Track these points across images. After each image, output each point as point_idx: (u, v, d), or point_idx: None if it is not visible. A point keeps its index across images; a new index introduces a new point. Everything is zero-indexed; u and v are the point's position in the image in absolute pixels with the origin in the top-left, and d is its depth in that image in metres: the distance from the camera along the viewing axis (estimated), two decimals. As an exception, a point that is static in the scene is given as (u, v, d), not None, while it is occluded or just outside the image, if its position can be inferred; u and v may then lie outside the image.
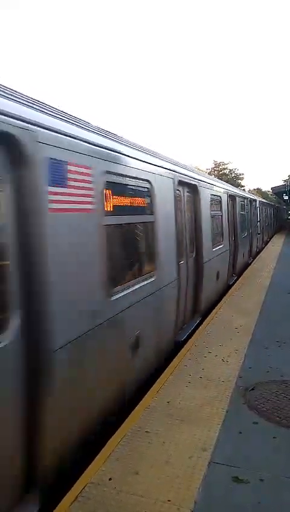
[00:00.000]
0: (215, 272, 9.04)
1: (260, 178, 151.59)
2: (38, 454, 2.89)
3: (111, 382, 4.02)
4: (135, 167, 4.66)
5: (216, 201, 9.53)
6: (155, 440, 3.62)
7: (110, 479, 3.10)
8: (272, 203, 41.63)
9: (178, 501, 2.89)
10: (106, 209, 3.87)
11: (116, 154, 4.22)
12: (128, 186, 4.63)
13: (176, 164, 6.82)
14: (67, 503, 2.85)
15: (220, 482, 3.12)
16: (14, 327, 2.69)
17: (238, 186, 51.55)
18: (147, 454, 3.43)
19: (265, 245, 24.02)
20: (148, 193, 5.15)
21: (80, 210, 3.39)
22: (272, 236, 30.76)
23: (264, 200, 29.77)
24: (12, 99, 2.94)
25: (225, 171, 74.95)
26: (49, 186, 2.96)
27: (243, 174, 78.32)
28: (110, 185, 3.97)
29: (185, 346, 6.08)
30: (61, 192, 3.13)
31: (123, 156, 4.39)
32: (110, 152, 4.05)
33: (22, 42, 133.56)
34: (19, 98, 3.10)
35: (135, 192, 4.88)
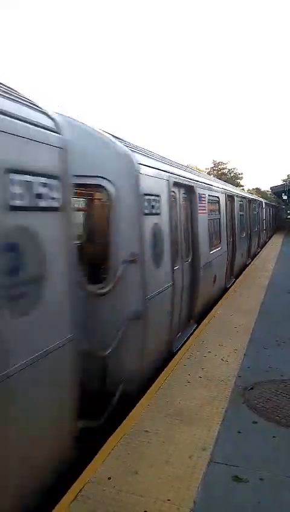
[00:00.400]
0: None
1: (259, 177, 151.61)
2: (194, 305, 5.88)
3: None
4: None
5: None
6: (155, 440, 3.63)
7: (109, 478, 3.10)
8: (272, 203, 41.66)
9: (178, 500, 2.89)
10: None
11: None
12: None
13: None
14: (67, 502, 2.85)
15: (220, 481, 3.13)
16: None
17: (237, 185, 51.53)
18: (147, 453, 3.43)
19: (265, 243, 24.06)
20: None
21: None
22: (271, 236, 30.78)
23: (264, 200, 29.68)
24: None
25: (224, 171, 74.98)
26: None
27: (242, 174, 78.36)
28: None
29: (184, 346, 6.09)
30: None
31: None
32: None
33: (22, 42, 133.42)
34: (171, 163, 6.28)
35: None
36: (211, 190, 9.22)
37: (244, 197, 16.20)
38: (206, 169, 69.59)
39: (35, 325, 2.78)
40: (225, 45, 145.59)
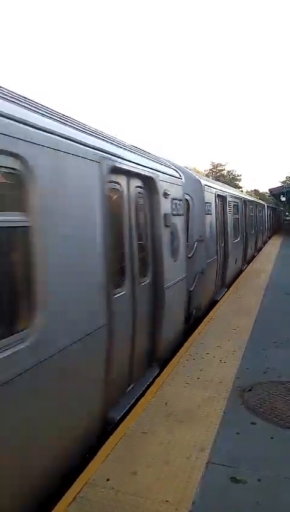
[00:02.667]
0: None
1: (258, 179, 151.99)
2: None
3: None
4: None
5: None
6: (153, 441, 3.63)
7: (108, 480, 3.10)
8: (270, 205, 41.29)
9: (176, 501, 2.89)
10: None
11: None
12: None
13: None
14: (65, 504, 2.85)
15: (218, 482, 3.13)
16: None
17: (235, 187, 51.57)
18: (145, 454, 3.43)
19: (263, 245, 23.81)
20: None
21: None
22: (270, 238, 30.61)
23: (261, 201, 29.19)
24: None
25: (222, 172, 75.17)
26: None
27: (240, 175, 78.65)
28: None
29: (183, 346, 6.09)
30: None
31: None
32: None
33: (19, 42, 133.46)
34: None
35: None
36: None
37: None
38: (205, 170, 69.73)
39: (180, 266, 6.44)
40: (223, 45, 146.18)
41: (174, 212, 6.04)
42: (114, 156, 4.24)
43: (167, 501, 2.89)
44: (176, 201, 6.17)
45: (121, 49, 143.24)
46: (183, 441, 3.64)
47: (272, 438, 3.73)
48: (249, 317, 7.77)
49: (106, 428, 3.94)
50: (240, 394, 4.57)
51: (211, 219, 8.92)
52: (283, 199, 39.59)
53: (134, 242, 4.83)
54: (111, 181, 4.21)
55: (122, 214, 4.59)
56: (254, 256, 18.00)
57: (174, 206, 6.08)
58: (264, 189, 75.22)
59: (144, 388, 4.79)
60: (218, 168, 76.18)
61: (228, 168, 77.05)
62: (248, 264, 15.67)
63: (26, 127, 2.85)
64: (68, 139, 3.37)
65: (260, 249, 21.75)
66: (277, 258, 17.47)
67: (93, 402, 3.76)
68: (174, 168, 6.80)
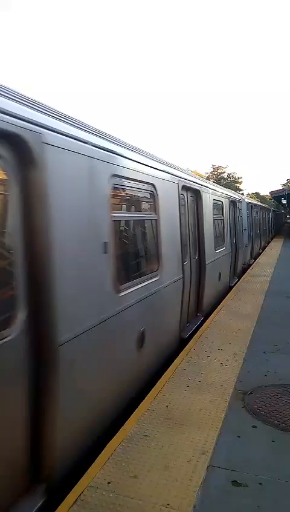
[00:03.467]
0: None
1: (259, 182, 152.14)
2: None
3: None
4: None
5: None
6: (154, 444, 3.62)
7: (109, 483, 3.10)
8: (267, 206, 39.79)
9: (177, 505, 2.89)
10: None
11: None
12: None
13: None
14: (66, 507, 2.85)
15: (219, 485, 3.12)
16: None
17: (236, 190, 51.60)
18: (146, 458, 3.43)
19: (261, 251, 23.04)
20: None
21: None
22: (269, 243, 29.82)
23: (257, 203, 26.81)
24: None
25: (223, 175, 75.24)
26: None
27: (241, 178, 78.71)
28: None
29: (184, 349, 6.09)
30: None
31: None
32: None
33: (15, 44, 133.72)
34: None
35: None
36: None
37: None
38: (205, 173, 69.81)
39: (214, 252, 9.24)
40: (224, 49, 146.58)
41: (214, 212, 9.30)
42: (183, 179, 6.99)
43: (167, 504, 2.89)
44: (214, 205, 9.18)
45: (122, 53, 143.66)
46: (184, 444, 3.63)
47: (273, 441, 3.73)
48: (250, 320, 7.77)
49: (181, 342, 6.54)
50: (241, 397, 4.56)
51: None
52: (284, 202, 39.60)
53: (190, 233, 7.50)
54: (181, 194, 6.74)
55: (185, 214, 7.21)
56: (259, 254, 21.66)
57: (213, 208, 9.19)
58: (265, 191, 75.30)
59: (195, 327, 7.26)
60: (219, 171, 76.27)
61: (228, 171, 77.17)
62: (255, 259, 18.69)
63: (158, 172, 5.74)
64: (167, 172, 6.18)
65: (264, 247, 25.50)
66: (277, 259, 17.53)
67: (175, 324, 6.34)
68: (213, 184, 11.80)
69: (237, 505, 2.93)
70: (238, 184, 74.36)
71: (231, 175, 76.83)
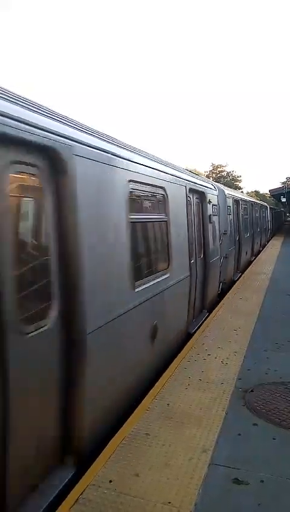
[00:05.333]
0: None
1: (258, 180, 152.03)
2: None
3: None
4: None
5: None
6: (155, 443, 3.63)
7: (110, 481, 3.11)
8: (262, 203, 38.90)
9: (178, 503, 2.89)
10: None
11: None
12: None
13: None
14: (68, 505, 2.85)
15: (220, 483, 3.13)
16: None
17: (236, 188, 51.56)
18: (147, 456, 3.44)
19: (262, 249, 22.96)
20: None
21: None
22: (269, 241, 29.79)
23: (256, 200, 26.28)
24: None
25: (222, 173, 75.21)
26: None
27: (240, 176, 78.68)
28: None
29: (184, 347, 6.10)
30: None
31: None
32: None
33: (15, 44, 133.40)
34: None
35: None
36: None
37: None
38: (205, 172, 69.79)
39: (217, 249, 9.60)
40: (223, 48, 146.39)
41: (214, 213, 9.26)
42: (190, 182, 7.41)
43: (169, 502, 2.90)
44: (214, 206, 9.38)
45: (122, 52, 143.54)
46: (185, 442, 3.64)
47: (274, 439, 3.73)
48: (250, 318, 7.77)
49: (187, 336, 6.78)
50: (242, 395, 4.57)
51: (230, 218, 12.17)
52: (283, 200, 39.59)
53: (195, 233, 7.72)
54: (187, 196, 7.05)
55: (192, 214, 7.48)
56: (259, 251, 21.83)
57: (213, 209, 9.21)
58: (264, 190, 75.30)
59: (201, 322, 7.56)
60: (218, 169, 76.24)
61: (228, 169, 77.14)
62: (256, 256, 18.92)
63: (168, 175, 6.04)
64: (177, 177, 6.56)
65: (264, 245, 25.16)
66: (277, 258, 17.51)
67: (183, 319, 6.69)
68: (211, 183, 10.90)
69: (238, 502, 2.93)
70: (237, 183, 74.32)
71: (230, 174, 76.80)
